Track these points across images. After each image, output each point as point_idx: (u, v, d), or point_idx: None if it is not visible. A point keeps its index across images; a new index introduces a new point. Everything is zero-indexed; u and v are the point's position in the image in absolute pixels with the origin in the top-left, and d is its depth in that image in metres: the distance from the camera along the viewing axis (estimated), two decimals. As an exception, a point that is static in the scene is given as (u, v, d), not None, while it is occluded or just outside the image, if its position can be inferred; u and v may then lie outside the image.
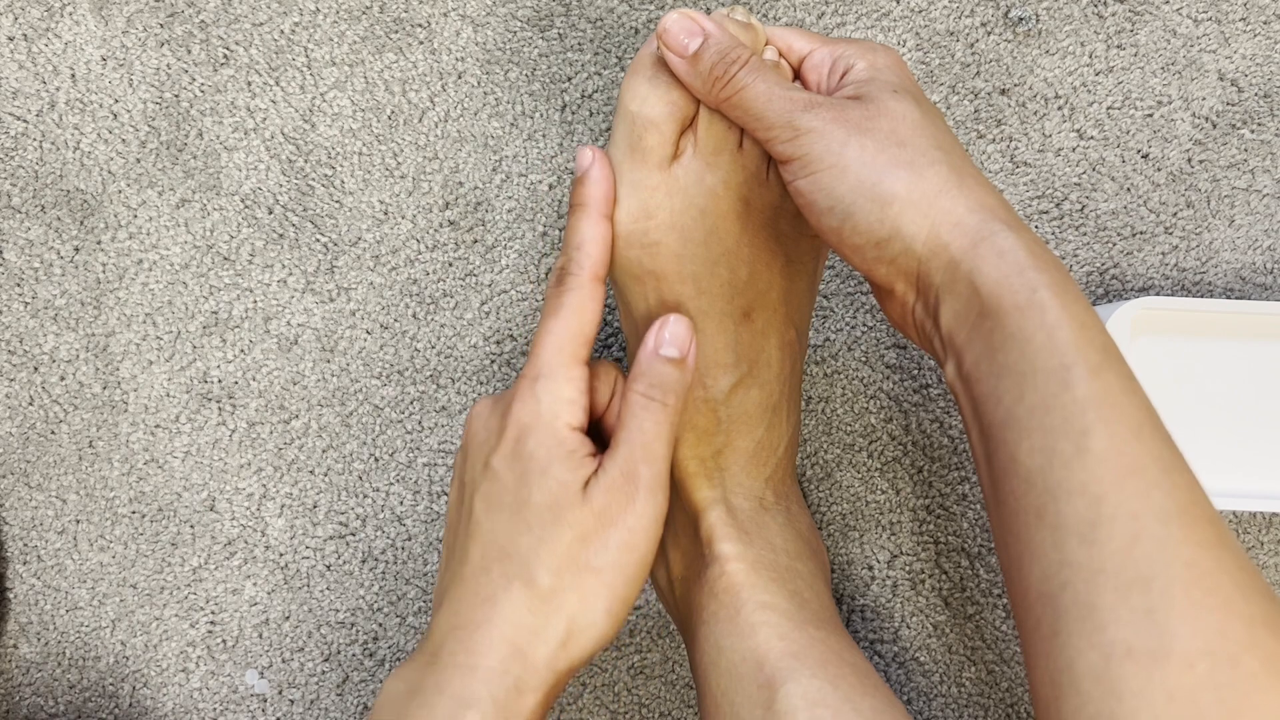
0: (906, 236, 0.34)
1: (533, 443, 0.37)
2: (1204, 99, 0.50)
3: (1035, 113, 0.50)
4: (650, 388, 0.38)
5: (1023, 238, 0.33)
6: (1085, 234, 0.50)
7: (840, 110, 0.36)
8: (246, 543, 0.52)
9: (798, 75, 0.41)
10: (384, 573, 0.52)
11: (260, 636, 0.53)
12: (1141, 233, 0.50)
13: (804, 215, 0.37)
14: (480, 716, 0.35)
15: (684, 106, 0.39)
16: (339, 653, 0.52)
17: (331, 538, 0.52)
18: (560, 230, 0.51)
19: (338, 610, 0.52)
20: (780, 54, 0.41)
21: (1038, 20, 0.50)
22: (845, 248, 0.36)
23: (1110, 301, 0.50)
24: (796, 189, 0.36)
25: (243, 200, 0.51)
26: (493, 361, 0.51)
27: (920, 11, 0.50)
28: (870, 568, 0.51)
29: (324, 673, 0.53)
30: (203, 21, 0.51)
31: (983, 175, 0.36)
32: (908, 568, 0.51)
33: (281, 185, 0.51)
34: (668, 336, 0.38)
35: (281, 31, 0.51)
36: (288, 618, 0.52)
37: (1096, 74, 0.50)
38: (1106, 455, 0.30)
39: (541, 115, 0.51)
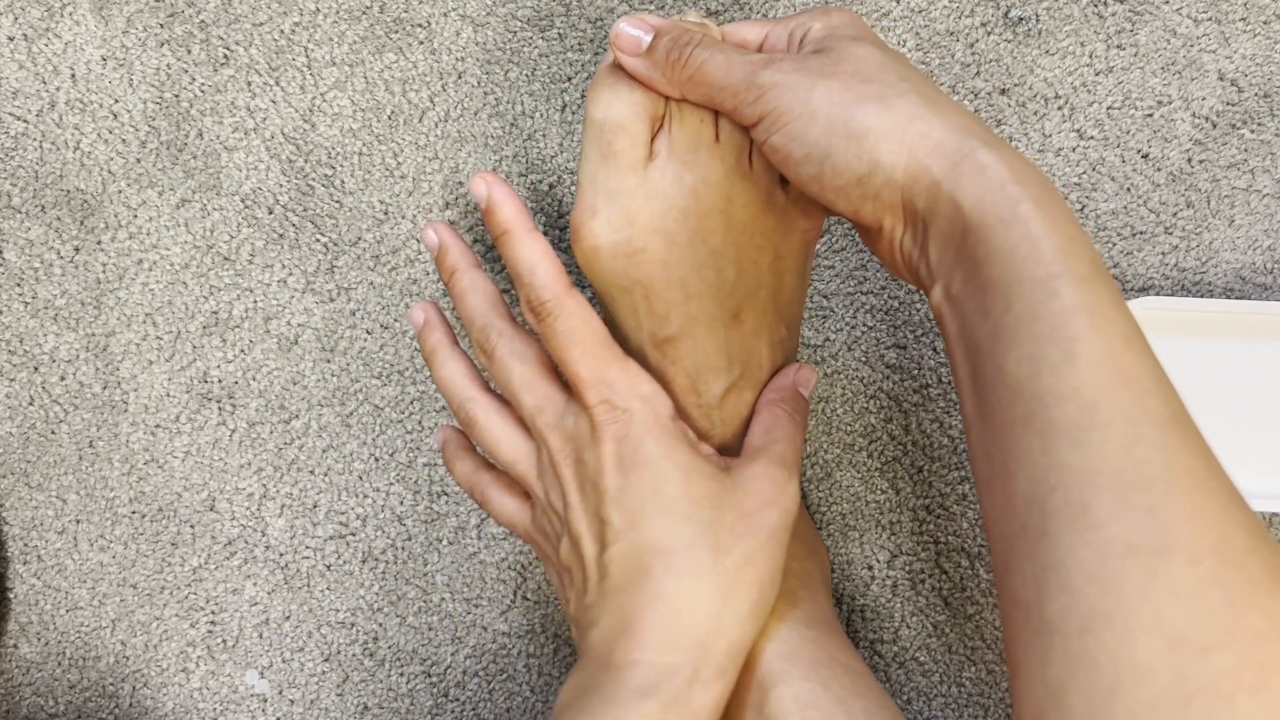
0: (886, 167, 0.34)
1: (651, 445, 0.37)
2: (1204, 99, 0.50)
3: (1035, 113, 0.50)
4: (793, 410, 0.41)
5: (1002, 154, 0.33)
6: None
7: (801, 61, 0.36)
8: (246, 543, 0.52)
9: None
10: (384, 573, 0.52)
11: (260, 636, 0.53)
12: (1141, 233, 0.50)
13: (783, 171, 0.37)
14: (660, 706, 0.34)
15: (649, 106, 0.39)
16: (339, 653, 0.52)
17: (331, 538, 0.52)
18: (559, 230, 0.51)
19: (338, 610, 0.52)
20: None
21: (1038, 20, 0.50)
22: (829, 192, 0.36)
23: (1110, 301, 0.50)
24: (771, 146, 0.36)
25: (243, 200, 0.51)
26: (493, 361, 0.51)
27: (920, 11, 0.50)
28: (870, 568, 0.51)
29: (324, 673, 0.53)
30: (203, 21, 0.51)
31: (955, 101, 0.35)
32: (908, 568, 0.51)
33: (281, 185, 0.51)
34: (805, 377, 0.43)
35: (281, 31, 0.51)
36: (288, 618, 0.52)
37: (1096, 74, 0.50)
38: (1099, 361, 0.30)
39: (541, 115, 0.51)
